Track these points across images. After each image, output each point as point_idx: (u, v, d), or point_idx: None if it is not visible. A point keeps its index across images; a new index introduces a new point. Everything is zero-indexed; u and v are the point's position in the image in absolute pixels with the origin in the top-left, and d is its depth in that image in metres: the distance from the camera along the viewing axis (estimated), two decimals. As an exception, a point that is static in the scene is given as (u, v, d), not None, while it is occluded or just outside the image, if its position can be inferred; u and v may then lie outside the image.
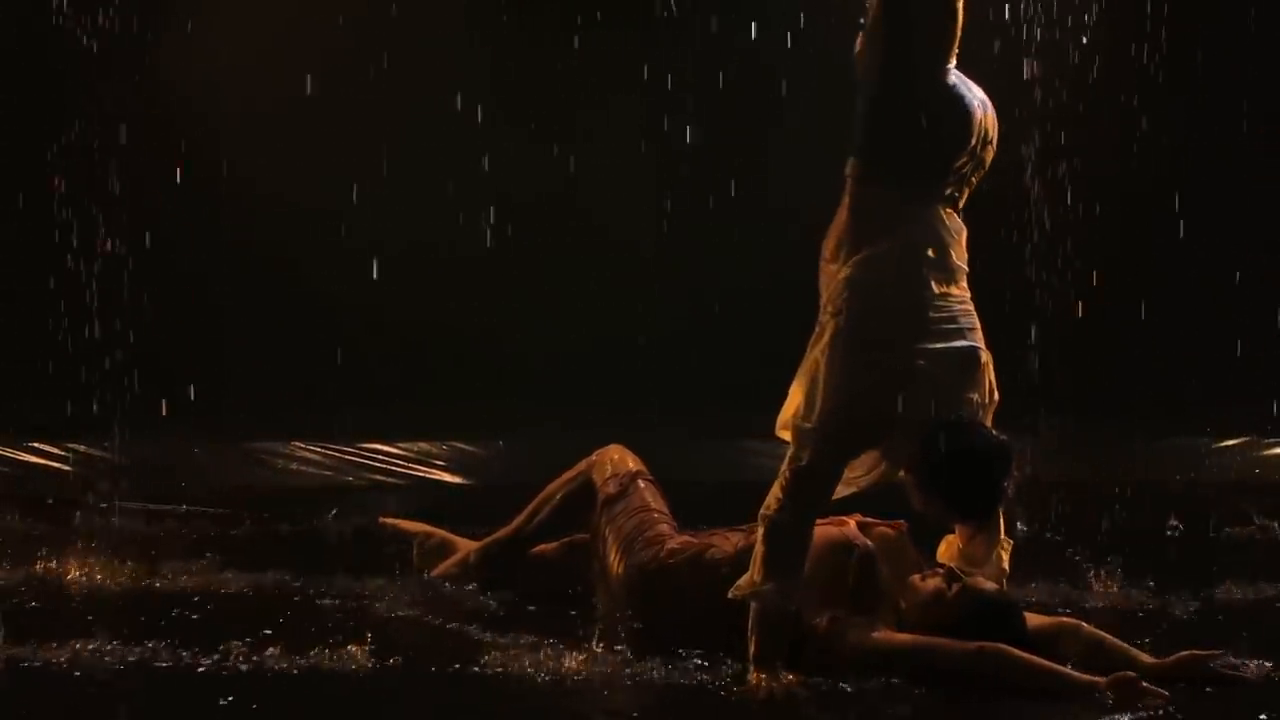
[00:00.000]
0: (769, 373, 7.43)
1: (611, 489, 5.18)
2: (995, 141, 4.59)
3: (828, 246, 4.63)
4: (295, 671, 4.44)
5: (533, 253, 8.33)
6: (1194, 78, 8.05)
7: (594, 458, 5.31)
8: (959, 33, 4.51)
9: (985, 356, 4.58)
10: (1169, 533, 6.50)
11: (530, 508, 5.38)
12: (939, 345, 4.48)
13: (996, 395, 4.61)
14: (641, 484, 5.19)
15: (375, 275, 8.18)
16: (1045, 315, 7.65)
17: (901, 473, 4.59)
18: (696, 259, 8.38)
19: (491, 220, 8.28)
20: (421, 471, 7.97)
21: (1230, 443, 8.25)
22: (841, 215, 4.61)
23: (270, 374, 8.17)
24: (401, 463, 7.98)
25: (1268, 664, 4.50)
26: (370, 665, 4.49)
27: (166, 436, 7.67)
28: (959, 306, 4.55)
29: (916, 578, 4.56)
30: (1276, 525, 6.52)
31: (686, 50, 7.95)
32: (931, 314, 4.49)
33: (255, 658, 4.51)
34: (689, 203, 8.29)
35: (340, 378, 8.17)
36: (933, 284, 4.51)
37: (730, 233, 8.22)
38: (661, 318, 8.26)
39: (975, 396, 4.54)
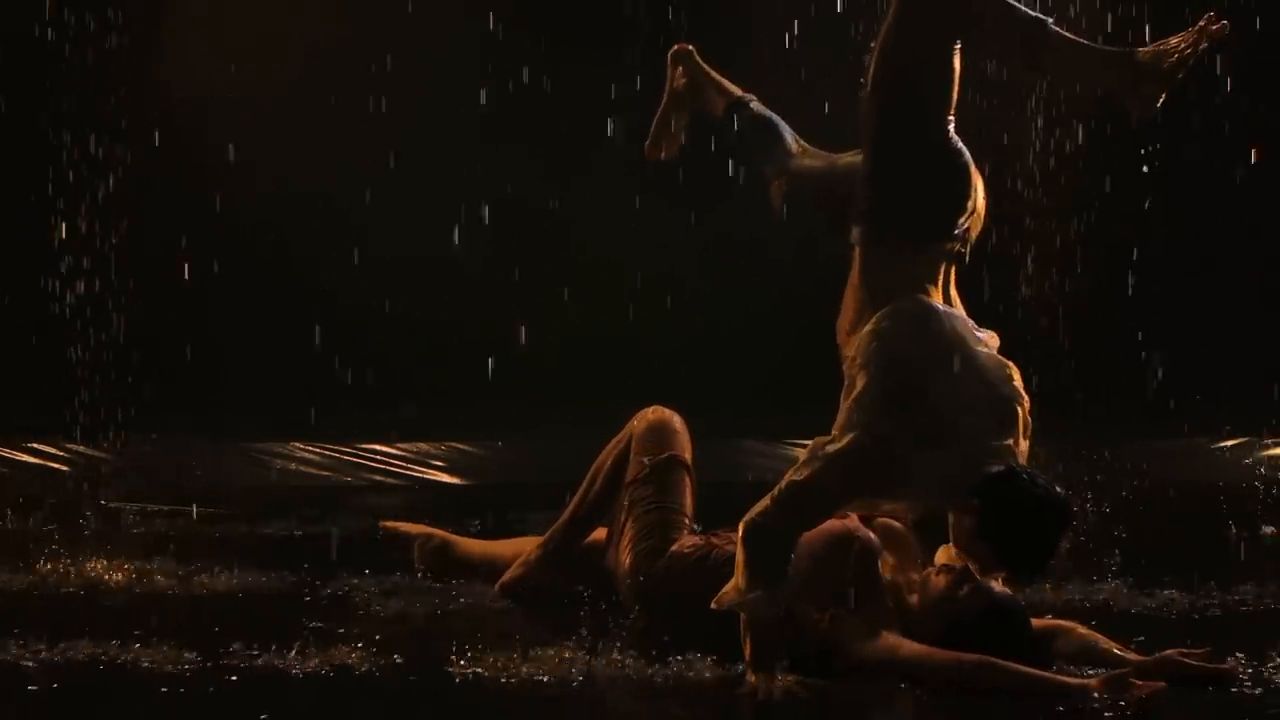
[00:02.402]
0: (769, 373, 7.47)
1: (641, 470, 5.13)
2: (984, 195, 4.59)
3: (845, 321, 4.56)
4: (293, 672, 4.44)
5: (533, 254, 8.35)
6: (1190, 81, 8.06)
7: (635, 420, 5.23)
8: (957, 86, 4.49)
9: (1024, 402, 4.48)
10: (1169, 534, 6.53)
11: (582, 487, 5.27)
12: (973, 395, 4.41)
13: (1026, 442, 4.50)
14: (672, 471, 5.12)
15: (376, 276, 8.20)
16: (1042, 316, 7.67)
17: (955, 516, 4.49)
18: (698, 259, 8.39)
19: (492, 222, 8.30)
20: (420, 472, 7.98)
21: (1230, 443, 8.27)
22: (853, 282, 4.56)
23: (270, 374, 8.19)
24: (400, 463, 7.99)
25: (1257, 665, 4.51)
26: (368, 667, 4.49)
27: (165, 436, 7.68)
28: (989, 352, 4.50)
29: (931, 572, 4.55)
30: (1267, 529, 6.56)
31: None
32: (961, 362, 4.43)
33: (252, 659, 4.52)
34: (689, 203, 8.30)
35: (340, 378, 8.18)
36: (959, 332, 4.47)
37: (732, 234, 8.24)
38: (662, 318, 8.27)
39: (1010, 442, 4.44)
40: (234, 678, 4.38)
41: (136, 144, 7.89)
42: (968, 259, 4.60)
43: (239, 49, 8.03)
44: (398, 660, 4.54)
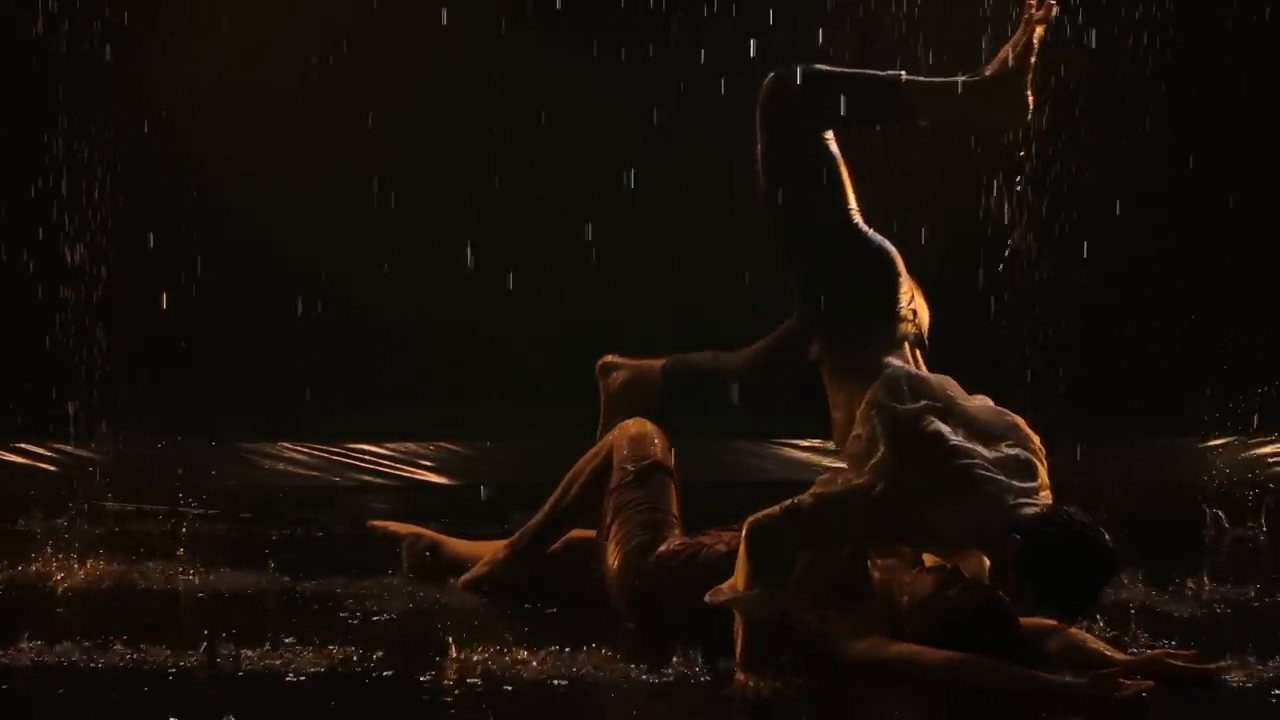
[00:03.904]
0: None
1: (625, 475, 5.13)
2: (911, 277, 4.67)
3: (836, 424, 4.59)
4: (285, 672, 4.43)
5: (530, 253, 8.33)
6: (1185, 81, 8.06)
7: (614, 433, 5.25)
8: (846, 174, 4.60)
9: (1036, 447, 4.48)
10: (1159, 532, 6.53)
11: (557, 492, 5.29)
12: (981, 442, 4.40)
13: (1047, 491, 4.47)
14: (656, 476, 5.13)
15: (371, 276, 8.19)
16: (1039, 315, 7.67)
17: (987, 556, 4.48)
18: (695, 259, 8.39)
19: (490, 221, 8.29)
20: (409, 472, 7.97)
21: (1218, 442, 8.26)
22: (830, 387, 4.61)
23: (263, 374, 8.17)
24: (389, 463, 7.99)
25: (1247, 665, 4.51)
26: (357, 668, 4.49)
27: (157, 436, 7.67)
28: (984, 404, 4.51)
29: (920, 573, 4.56)
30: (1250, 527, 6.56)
31: (684, 52, 7.97)
32: (960, 414, 4.43)
33: (244, 659, 4.51)
34: (686, 203, 8.30)
35: (333, 378, 8.17)
36: (949, 391, 4.48)
37: (730, 233, 8.22)
38: (660, 318, 8.26)
39: (1033, 486, 4.40)
40: (223, 678, 4.38)
41: (131, 142, 7.87)
42: (928, 343, 4.65)
43: (235, 47, 8.02)
44: (387, 661, 4.53)
